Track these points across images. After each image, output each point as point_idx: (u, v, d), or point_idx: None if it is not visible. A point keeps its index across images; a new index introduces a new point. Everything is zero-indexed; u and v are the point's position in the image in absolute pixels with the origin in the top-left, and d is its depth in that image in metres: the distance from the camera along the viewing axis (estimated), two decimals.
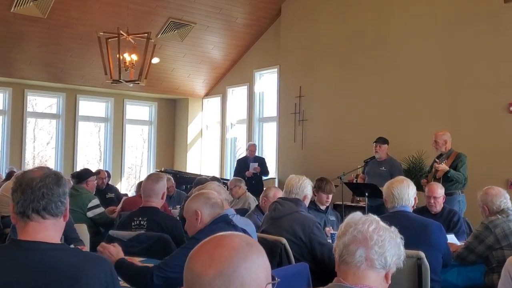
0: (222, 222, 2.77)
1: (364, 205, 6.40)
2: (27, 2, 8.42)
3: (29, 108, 11.04)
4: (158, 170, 10.66)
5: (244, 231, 2.83)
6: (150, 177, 3.83)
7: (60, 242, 1.78)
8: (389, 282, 1.69)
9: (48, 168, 1.87)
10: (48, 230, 1.74)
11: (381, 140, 6.82)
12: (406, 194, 3.33)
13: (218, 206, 2.85)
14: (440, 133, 5.97)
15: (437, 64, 7.68)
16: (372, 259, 1.65)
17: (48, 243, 1.70)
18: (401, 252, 1.71)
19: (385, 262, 1.66)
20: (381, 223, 1.73)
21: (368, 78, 8.51)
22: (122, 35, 7.77)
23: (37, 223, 1.73)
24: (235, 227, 2.77)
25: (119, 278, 2.14)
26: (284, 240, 3.38)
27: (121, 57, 7.90)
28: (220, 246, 1.14)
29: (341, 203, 7.06)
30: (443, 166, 5.62)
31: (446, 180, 5.67)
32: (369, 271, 1.65)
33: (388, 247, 1.66)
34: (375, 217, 1.76)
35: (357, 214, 1.76)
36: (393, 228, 1.74)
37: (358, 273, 1.65)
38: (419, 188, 5.78)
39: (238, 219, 3.44)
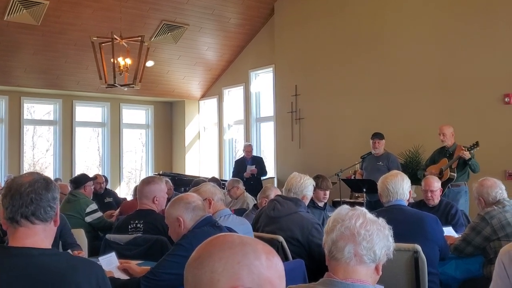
0: (207, 225, 2.73)
1: (363, 201, 6.41)
2: (20, 10, 8.42)
3: (27, 116, 11.05)
4: (156, 173, 10.66)
5: (230, 230, 2.79)
6: (142, 180, 3.83)
7: (50, 248, 1.76)
8: (380, 273, 1.69)
9: (38, 173, 1.86)
10: (38, 235, 1.72)
11: (379, 136, 6.83)
12: (401, 188, 3.32)
13: (200, 209, 2.79)
14: (445, 126, 6.10)
15: (431, 58, 7.68)
16: (361, 255, 1.65)
17: (37, 249, 1.69)
18: (390, 243, 1.71)
19: (374, 255, 1.66)
20: (368, 215, 1.72)
21: (363, 73, 8.51)
22: (116, 39, 7.77)
23: (26, 228, 1.72)
24: (220, 228, 2.72)
25: None
26: (280, 238, 3.37)
27: (115, 61, 7.89)
28: (215, 239, 1.14)
29: (339, 199, 7.06)
30: (468, 154, 5.72)
31: (458, 170, 5.85)
32: (358, 266, 1.65)
33: (376, 240, 1.66)
34: (362, 209, 1.74)
35: (344, 209, 1.75)
36: (380, 219, 1.73)
37: (348, 269, 1.65)
38: (416, 181, 5.81)
39: (234, 219, 3.43)
